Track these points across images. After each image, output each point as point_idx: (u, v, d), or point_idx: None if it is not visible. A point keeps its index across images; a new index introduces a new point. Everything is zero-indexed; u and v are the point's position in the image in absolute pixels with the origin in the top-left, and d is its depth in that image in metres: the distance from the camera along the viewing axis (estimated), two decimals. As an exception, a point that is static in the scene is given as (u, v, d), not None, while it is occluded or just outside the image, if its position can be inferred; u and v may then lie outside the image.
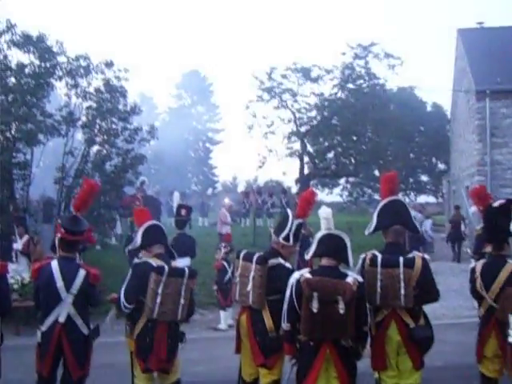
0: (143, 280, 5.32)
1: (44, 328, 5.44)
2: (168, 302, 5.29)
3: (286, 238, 5.52)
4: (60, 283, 5.39)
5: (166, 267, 5.35)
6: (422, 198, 45.00)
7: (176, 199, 11.72)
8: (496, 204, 5.60)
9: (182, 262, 10.91)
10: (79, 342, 5.48)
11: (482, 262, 5.66)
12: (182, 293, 5.33)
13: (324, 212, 5.15)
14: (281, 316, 5.01)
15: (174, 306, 5.31)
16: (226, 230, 16.69)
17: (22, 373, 6.92)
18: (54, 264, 5.50)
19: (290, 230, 5.52)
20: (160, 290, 5.26)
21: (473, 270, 5.64)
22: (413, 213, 19.08)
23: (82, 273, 5.48)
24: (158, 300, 5.26)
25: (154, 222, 5.79)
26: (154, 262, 5.42)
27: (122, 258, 13.35)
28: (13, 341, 9.12)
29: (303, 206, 5.80)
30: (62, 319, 5.40)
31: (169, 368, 5.40)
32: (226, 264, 11.15)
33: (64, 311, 5.40)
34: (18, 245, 11.49)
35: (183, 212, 11.73)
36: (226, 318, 11.08)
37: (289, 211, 5.87)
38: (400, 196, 5.84)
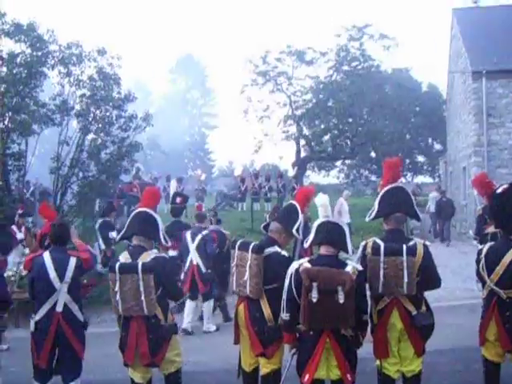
0: None
1: (38, 317, 5.52)
2: (128, 298, 5.13)
3: (298, 231, 5.52)
4: (53, 274, 5.47)
5: (118, 264, 5.19)
6: (419, 179, 45.09)
7: (173, 187, 11.80)
8: (500, 190, 5.61)
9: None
10: (78, 326, 5.62)
11: (489, 244, 5.64)
12: (140, 289, 5.08)
13: (321, 200, 5.11)
14: (279, 305, 5.00)
15: (137, 302, 5.11)
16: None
17: (22, 365, 6.92)
18: (46, 255, 5.58)
19: (300, 223, 5.51)
20: (117, 288, 5.15)
21: (479, 252, 5.62)
22: (435, 194, 19.36)
23: (72, 261, 5.57)
24: (118, 297, 5.16)
25: (142, 209, 5.54)
26: (123, 258, 5.32)
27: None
28: (12, 333, 9.14)
29: (303, 203, 5.76)
30: (59, 308, 5.48)
31: (156, 362, 5.25)
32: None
33: (60, 300, 5.49)
34: (22, 234, 11.57)
35: (178, 200, 12.02)
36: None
37: (296, 203, 5.77)
38: (402, 183, 5.80)
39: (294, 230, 5.50)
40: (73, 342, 5.50)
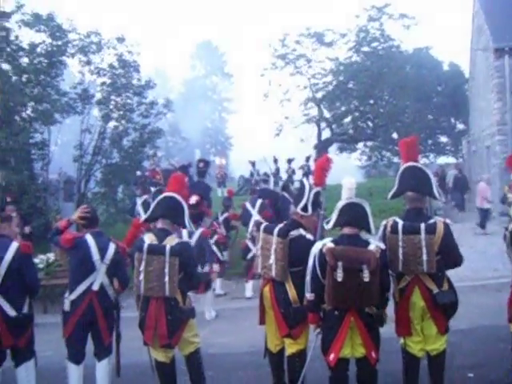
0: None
1: (73, 296, 5.61)
2: (152, 279, 5.22)
3: (304, 209, 5.46)
4: (96, 256, 5.60)
5: (146, 244, 5.29)
6: (442, 159, 44.53)
7: (197, 155, 13.28)
8: None
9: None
10: (110, 309, 5.74)
11: None
12: (165, 270, 5.18)
13: (348, 182, 5.08)
14: (304, 287, 5.03)
15: (160, 283, 5.20)
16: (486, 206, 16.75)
17: (52, 350, 7.08)
18: (89, 237, 5.70)
19: (307, 200, 5.46)
20: (142, 268, 5.24)
21: (506, 229, 5.60)
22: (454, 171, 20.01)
23: (112, 245, 5.74)
24: (141, 277, 5.24)
25: (169, 194, 5.64)
26: (148, 239, 5.39)
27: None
28: (40, 319, 9.30)
29: (319, 174, 5.72)
30: (95, 287, 5.61)
31: (172, 343, 5.32)
32: (249, 244, 11.16)
33: (98, 280, 5.62)
34: None
35: (201, 164, 13.80)
36: (248, 288, 11.31)
37: (305, 181, 5.80)
38: (419, 161, 5.72)
39: (298, 209, 5.47)
40: (100, 323, 5.62)
